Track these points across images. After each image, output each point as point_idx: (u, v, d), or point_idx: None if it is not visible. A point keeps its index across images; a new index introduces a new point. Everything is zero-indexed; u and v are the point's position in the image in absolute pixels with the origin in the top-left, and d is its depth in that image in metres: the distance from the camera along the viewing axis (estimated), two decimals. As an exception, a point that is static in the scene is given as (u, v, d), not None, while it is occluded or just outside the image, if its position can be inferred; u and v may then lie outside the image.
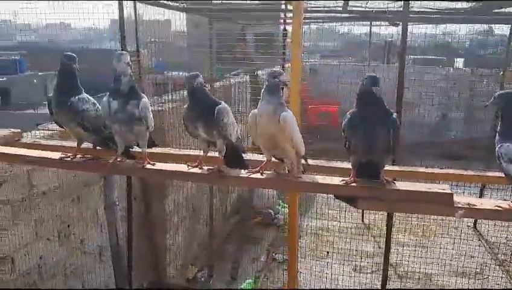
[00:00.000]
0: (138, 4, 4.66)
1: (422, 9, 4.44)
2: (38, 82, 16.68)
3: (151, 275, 5.32)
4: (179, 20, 6.16)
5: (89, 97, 2.52)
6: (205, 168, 2.36)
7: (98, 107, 2.53)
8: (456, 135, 9.53)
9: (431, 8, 4.39)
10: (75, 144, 3.39)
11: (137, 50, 4.30)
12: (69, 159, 2.61)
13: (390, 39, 14.67)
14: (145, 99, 2.37)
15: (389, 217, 3.84)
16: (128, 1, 4.59)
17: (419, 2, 4.05)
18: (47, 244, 4.18)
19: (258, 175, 2.33)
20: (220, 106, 2.20)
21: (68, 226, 4.40)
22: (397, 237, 7.07)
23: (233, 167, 2.41)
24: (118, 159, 2.52)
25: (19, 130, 3.45)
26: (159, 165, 2.46)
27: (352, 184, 2.20)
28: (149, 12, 5.16)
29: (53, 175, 4.14)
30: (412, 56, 17.98)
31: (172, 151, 3.13)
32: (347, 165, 2.91)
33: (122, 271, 4.51)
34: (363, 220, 7.80)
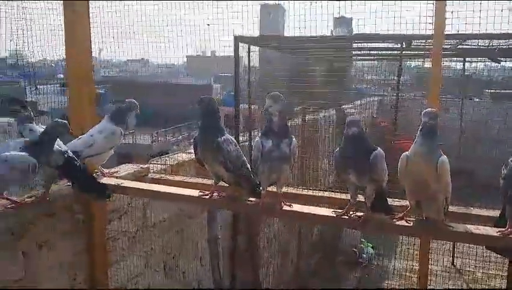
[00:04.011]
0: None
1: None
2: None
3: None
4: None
5: (232, 138, 2.62)
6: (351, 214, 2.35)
7: (238, 148, 2.63)
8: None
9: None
10: (192, 180, 3.55)
11: (249, 92, 4.41)
12: (207, 196, 2.69)
13: (468, 73, 14.19)
14: (294, 139, 2.43)
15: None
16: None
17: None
18: (154, 275, 4.29)
19: (403, 222, 2.29)
20: (376, 151, 2.18)
21: (173, 257, 4.51)
22: (492, 284, 6.66)
23: (379, 212, 2.37)
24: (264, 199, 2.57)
25: (147, 166, 3.62)
26: (298, 208, 2.48)
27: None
28: (221, 50, 5.28)
29: (162, 208, 4.29)
30: (489, 90, 17.29)
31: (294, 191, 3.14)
32: (486, 212, 2.80)
33: (224, 306, 4.52)
34: (453, 263, 7.41)
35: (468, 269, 7.16)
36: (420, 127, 2.15)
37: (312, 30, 3.95)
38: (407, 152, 2.19)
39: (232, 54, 5.00)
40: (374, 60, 8.12)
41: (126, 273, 3.93)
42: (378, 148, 2.23)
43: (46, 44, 3.50)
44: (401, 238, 7.09)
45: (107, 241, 3.63)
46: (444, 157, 2.10)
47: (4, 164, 2.52)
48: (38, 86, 3.42)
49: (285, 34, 5.47)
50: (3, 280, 2.76)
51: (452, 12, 2.63)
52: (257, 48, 4.88)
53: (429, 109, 2.20)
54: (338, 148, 2.30)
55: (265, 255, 5.80)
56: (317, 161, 6.54)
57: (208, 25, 3.34)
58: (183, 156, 4.84)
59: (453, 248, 7.32)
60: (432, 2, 2.67)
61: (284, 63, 6.74)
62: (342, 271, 7.38)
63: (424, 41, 4.18)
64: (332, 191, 3.44)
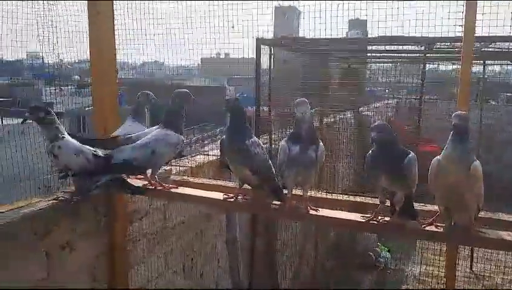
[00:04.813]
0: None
1: None
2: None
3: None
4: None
5: (259, 141, 2.60)
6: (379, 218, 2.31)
7: (264, 151, 2.61)
8: None
9: None
10: (214, 182, 3.55)
11: (269, 94, 4.39)
12: (231, 199, 2.68)
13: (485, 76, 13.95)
14: (321, 144, 2.40)
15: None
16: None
17: None
18: (173, 276, 4.29)
19: (433, 227, 2.25)
20: (410, 156, 2.15)
21: (192, 259, 4.51)
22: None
23: (406, 217, 2.33)
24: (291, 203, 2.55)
25: (170, 168, 3.63)
26: (325, 212, 2.45)
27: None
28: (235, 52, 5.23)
29: (181, 209, 4.28)
30: (505, 93, 17.07)
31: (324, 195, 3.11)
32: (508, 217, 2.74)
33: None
34: (471, 268, 7.30)
35: (487, 274, 7.05)
36: (451, 130, 2.09)
37: (327, 32, 3.93)
38: (438, 156, 2.14)
39: (247, 56, 4.98)
40: (391, 62, 8.05)
41: (146, 275, 3.93)
42: (411, 152, 2.19)
43: (66, 46, 3.53)
44: (418, 243, 7.02)
45: (128, 242, 3.64)
46: (477, 162, 2.04)
47: (161, 142, 2.70)
48: (62, 88, 3.43)
49: (300, 36, 5.44)
50: (27, 279, 2.77)
51: (483, 14, 2.59)
52: (271, 49, 4.83)
53: (459, 112, 2.15)
54: (370, 152, 2.26)
55: (282, 257, 5.77)
56: (334, 163, 6.49)
57: (233, 27, 3.33)
58: (201, 158, 4.84)
59: (471, 253, 7.22)
60: (462, 2, 2.63)
61: (300, 64, 6.71)
62: (358, 274, 7.32)
63: (448, 43, 4.12)
64: (347, 194, 3.41)
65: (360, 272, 7.41)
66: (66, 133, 2.65)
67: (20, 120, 2.78)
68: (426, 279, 6.86)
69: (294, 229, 6.15)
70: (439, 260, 6.38)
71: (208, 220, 4.72)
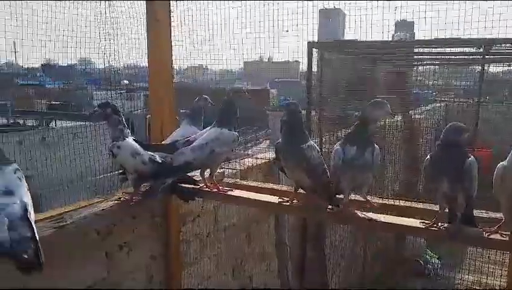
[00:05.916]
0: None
1: None
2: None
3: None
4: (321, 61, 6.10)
5: (315, 145, 2.60)
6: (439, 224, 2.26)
7: (320, 155, 2.61)
8: None
9: None
10: (266, 185, 3.57)
11: (320, 95, 4.35)
12: (287, 203, 2.69)
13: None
14: (377, 146, 2.38)
15: None
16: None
17: None
18: (223, 278, 4.35)
19: (497, 236, 2.18)
20: (470, 159, 2.10)
21: (241, 262, 4.55)
22: None
23: (467, 224, 2.26)
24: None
25: (223, 170, 3.69)
26: (382, 217, 2.43)
27: None
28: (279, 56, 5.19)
29: (231, 212, 4.34)
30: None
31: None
32: None
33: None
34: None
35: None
36: None
37: (372, 35, 3.86)
38: (503, 162, 2.09)
39: (289, 59, 4.93)
40: (439, 64, 7.80)
41: (199, 276, 4.01)
42: (471, 155, 2.14)
43: (119, 51, 3.63)
44: (468, 251, 6.75)
45: (181, 243, 3.72)
46: (549, 168, 1.97)
47: (218, 141, 2.80)
48: (121, 92, 3.56)
49: (351, 39, 5.35)
50: (89, 278, 2.87)
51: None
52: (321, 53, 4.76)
53: None
54: (429, 155, 2.23)
55: (330, 261, 5.70)
56: (383, 168, 6.37)
57: (287, 31, 3.35)
58: (250, 161, 4.87)
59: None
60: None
61: (345, 67, 6.61)
62: (406, 281, 7.14)
63: (509, 44, 3.95)
64: (397, 199, 3.34)
65: (409, 278, 7.23)
66: (129, 137, 2.75)
67: (73, 122, 2.89)
68: (477, 288, 6.61)
69: (343, 232, 6.08)
70: (487, 268, 6.13)
71: (257, 223, 4.75)
